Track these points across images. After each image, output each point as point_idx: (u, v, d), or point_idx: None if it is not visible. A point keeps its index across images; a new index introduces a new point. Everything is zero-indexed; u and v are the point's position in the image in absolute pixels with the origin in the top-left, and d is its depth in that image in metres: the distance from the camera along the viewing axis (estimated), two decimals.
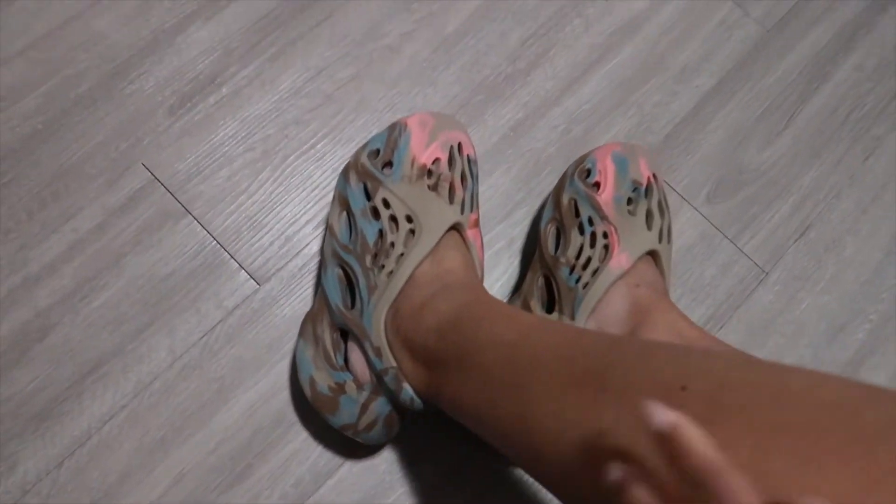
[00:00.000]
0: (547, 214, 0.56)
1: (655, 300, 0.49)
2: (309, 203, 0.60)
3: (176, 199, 0.59)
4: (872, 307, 0.62)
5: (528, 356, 0.38)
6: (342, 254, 0.52)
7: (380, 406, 0.49)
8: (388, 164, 0.54)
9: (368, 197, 0.52)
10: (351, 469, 0.54)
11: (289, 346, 0.56)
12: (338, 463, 0.54)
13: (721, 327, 0.60)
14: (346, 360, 0.51)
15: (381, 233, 0.51)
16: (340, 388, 0.49)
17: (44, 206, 0.57)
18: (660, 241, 0.52)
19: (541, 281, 0.54)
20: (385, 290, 0.49)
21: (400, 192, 0.52)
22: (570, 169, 0.57)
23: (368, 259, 0.50)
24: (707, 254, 0.62)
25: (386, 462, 0.54)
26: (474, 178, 0.55)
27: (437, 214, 0.51)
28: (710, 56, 0.67)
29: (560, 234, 0.55)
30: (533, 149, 0.63)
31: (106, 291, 0.56)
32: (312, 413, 0.54)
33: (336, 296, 0.51)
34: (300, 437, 0.54)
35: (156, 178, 0.59)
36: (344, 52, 0.64)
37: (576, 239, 0.53)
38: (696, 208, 0.63)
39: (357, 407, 0.49)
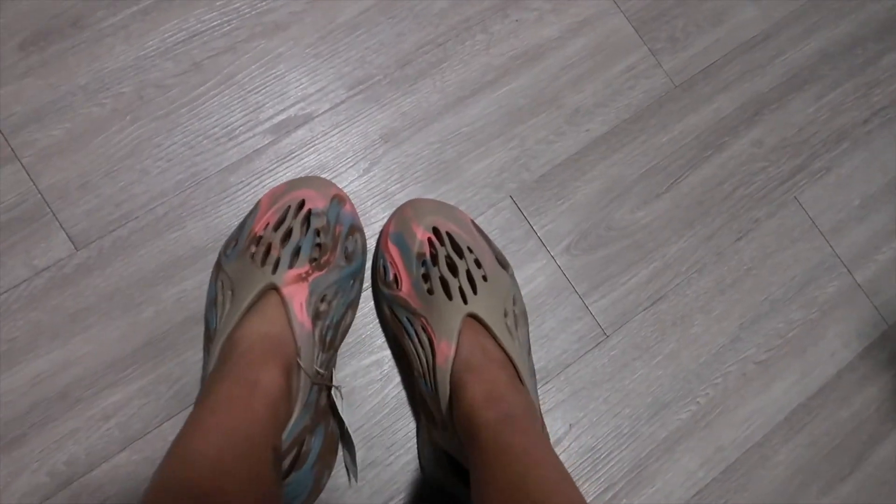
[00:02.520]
0: (385, 328, 0.56)
1: (460, 384, 0.46)
2: (150, 173, 0.57)
3: (7, 141, 0.55)
4: (703, 390, 0.62)
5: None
6: (205, 346, 0.52)
7: None
8: (234, 243, 0.53)
9: (214, 284, 0.52)
10: (129, 457, 0.52)
11: (93, 320, 0.54)
12: (116, 448, 0.52)
13: (547, 382, 0.59)
14: None
15: (217, 317, 0.50)
16: None
17: None
18: (465, 301, 0.50)
19: (419, 399, 0.53)
20: (205, 369, 0.48)
21: (230, 268, 0.51)
22: (372, 272, 0.56)
23: (211, 346, 0.49)
24: (552, 305, 0.61)
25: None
26: (315, 231, 0.51)
27: (248, 281, 0.49)
28: (609, 102, 0.65)
29: (401, 348, 0.54)
30: (399, 162, 0.60)
31: None
32: (100, 395, 0.53)
33: (212, 319, 0.52)
34: (83, 416, 0.52)
35: None
36: (225, 20, 0.60)
37: (409, 347, 0.51)
38: (552, 256, 0.61)
39: None
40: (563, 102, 0.64)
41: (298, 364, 0.46)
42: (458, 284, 0.51)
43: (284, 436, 0.45)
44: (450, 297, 0.50)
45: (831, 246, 0.66)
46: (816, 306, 0.65)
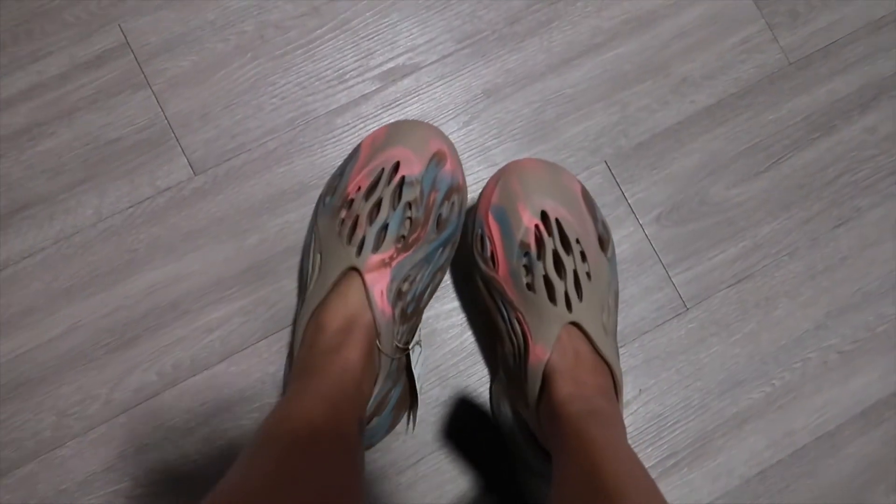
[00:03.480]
0: (475, 291, 0.55)
1: (550, 391, 0.46)
2: (264, 109, 0.60)
3: (141, 69, 0.60)
4: (779, 373, 0.61)
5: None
6: (300, 285, 0.54)
7: None
8: (333, 190, 0.53)
9: (311, 229, 0.53)
10: (227, 368, 0.57)
11: (204, 241, 0.58)
12: (217, 359, 0.57)
13: (621, 347, 0.60)
14: None
15: (309, 266, 0.51)
16: None
17: (16, 41, 0.59)
18: (570, 309, 0.48)
19: (501, 373, 0.54)
20: (295, 335, 0.50)
21: (322, 224, 0.52)
22: (469, 235, 0.53)
23: (301, 293, 0.51)
24: (636, 272, 0.61)
25: (259, 372, 0.57)
26: (407, 204, 0.49)
27: (334, 255, 0.49)
28: (718, 74, 0.63)
29: (490, 317, 0.53)
30: (500, 119, 0.62)
31: (53, 139, 0.58)
32: (205, 309, 0.58)
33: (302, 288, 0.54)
34: (190, 326, 0.58)
35: (128, 42, 0.60)
36: None
37: (501, 326, 0.50)
38: (641, 225, 0.62)
39: None
40: (670, 71, 0.63)
41: (376, 348, 0.48)
42: (563, 289, 0.48)
43: (369, 405, 0.48)
44: (554, 301, 0.48)
45: None
46: None
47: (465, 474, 0.58)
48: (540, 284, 0.49)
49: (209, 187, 0.59)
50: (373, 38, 0.62)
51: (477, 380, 0.59)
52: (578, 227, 0.51)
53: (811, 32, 0.64)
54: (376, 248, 0.49)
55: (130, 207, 0.58)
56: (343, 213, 0.51)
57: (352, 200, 0.51)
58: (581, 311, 0.48)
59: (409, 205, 0.50)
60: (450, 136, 0.61)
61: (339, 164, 0.59)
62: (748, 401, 0.61)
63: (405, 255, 0.49)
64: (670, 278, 0.62)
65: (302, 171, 0.60)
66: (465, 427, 0.58)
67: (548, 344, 0.47)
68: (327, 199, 0.54)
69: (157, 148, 0.59)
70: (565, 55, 0.63)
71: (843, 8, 0.65)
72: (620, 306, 0.61)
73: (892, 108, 0.64)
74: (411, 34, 0.62)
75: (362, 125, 0.61)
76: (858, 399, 0.62)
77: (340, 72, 0.61)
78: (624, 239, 0.61)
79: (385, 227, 0.49)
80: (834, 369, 0.62)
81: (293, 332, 0.56)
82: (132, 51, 0.60)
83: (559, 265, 0.49)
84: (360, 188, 0.51)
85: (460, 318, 0.59)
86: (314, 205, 0.59)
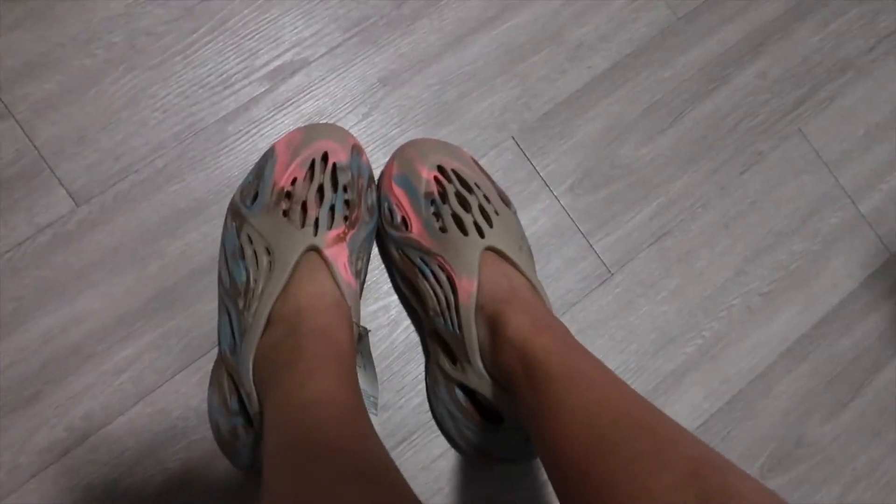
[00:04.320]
0: (392, 269, 0.55)
1: (499, 314, 0.46)
2: (147, 125, 0.56)
3: None
4: (708, 324, 0.62)
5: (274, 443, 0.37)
6: (225, 299, 0.51)
7: None
8: (255, 196, 0.51)
9: (238, 235, 0.50)
10: (144, 409, 0.53)
11: (99, 275, 0.54)
12: (131, 402, 0.53)
13: None
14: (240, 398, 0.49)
15: (246, 272, 0.49)
16: (234, 433, 0.49)
17: None
18: (482, 235, 0.50)
19: (430, 338, 0.53)
20: (250, 331, 0.47)
21: (259, 224, 0.50)
22: (376, 216, 0.54)
23: (240, 302, 0.48)
24: (557, 245, 0.61)
25: (181, 408, 0.54)
26: (344, 186, 0.51)
27: (288, 242, 0.48)
28: (611, 36, 0.63)
29: (413, 289, 0.53)
30: (400, 106, 0.59)
31: None
32: (111, 350, 0.53)
33: (225, 341, 0.50)
34: (96, 371, 0.53)
35: None
36: None
37: (425, 287, 0.51)
38: (556, 196, 0.61)
39: (248, 450, 0.49)
40: (564, 38, 0.63)
41: (353, 322, 0.48)
42: (472, 219, 0.50)
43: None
44: (465, 232, 0.50)
45: (835, 177, 0.66)
46: (820, 237, 0.65)
47: (426, 471, 0.56)
48: (450, 222, 0.50)
49: (96, 216, 0.54)
50: (255, 36, 0.58)
51: (413, 378, 0.57)
52: (475, 177, 0.54)
53: None
54: (330, 227, 0.49)
55: (9, 251, 0.53)
56: (285, 204, 0.50)
57: (289, 192, 0.50)
58: (494, 235, 0.50)
59: (345, 188, 0.51)
60: (350, 130, 0.58)
61: (240, 173, 0.56)
62: (683, 356, 0.62)
63: (353, 231, 0.50)
64: (591, 246, 0.61)
65: (197, 186, 0.56)
66: (412, 428, 0.56)
67: (471, 272, 0.48)
68: (250, 202, 0.52)
69: (31, 181, 0.54)
70: (458, 33, 0.61)
71: None
72: (546, 281, 0.60)
73: (778, 51, 0.66)
74: (296, 28, 0.58)
75: (256, 130, 0.57)
76: (783, 337, 0.64)
77: (224, 76, 0.57)
78: (541, 213, 0.61)
79: (332, 207, 0.50)
80: (757, 311, 0.63)
81: (230, 314, 0.52)
82: None
83: (464, 202, 0.52)
84: (295, 179, 0.51)
85: (386, 317, 0.57)
86: (215, 220, 0.55)
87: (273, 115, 0.57)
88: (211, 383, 0.52)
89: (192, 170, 0.56)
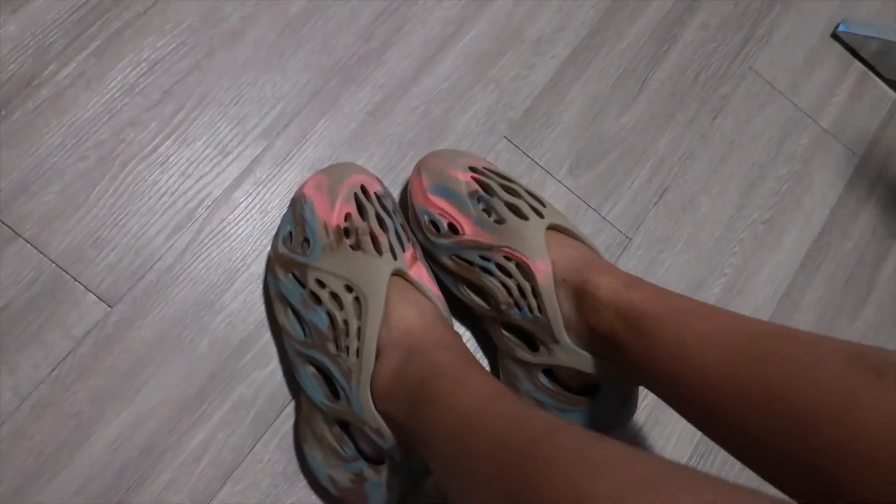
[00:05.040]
0: (446, 281, 0.55)
1: (585, 282, 0.48)
2: (157, 212, 0.55)
3: (1, 221, 0.53)
4: (726, 261, 0.66)
5: (472, 449, 0.36)
6: (305, 351, 0.50)
7: (404, 481, 0.48)
8: (306, 241, 0.51)
9: (302, 284, 0.50)
10: (233, 489, 0.52)
11: (150, 370, 0.52)
12: (217, 485, 0.52)
13: None
14: (357, 446, 0.49)
15: (329, 316, 0.48)
16: (360, 478, 0.48)
17: None
18: (541, 215, 0.51)
19: (505, 332, 0.53)
20: (360, 370, 0.46)
21: (327, 265, 0.49)
22: (416, 232, 0.55)
23: (331, 347, 0.48)
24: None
25: (269, 477, 0.53)
26: (393, 212, 0.52)
27: (372, 272, 0.48)
28: (564, 25, 0.67)
29: (478, 291, 0.54)
30: (394, 134, 0.61)
31: None
32: (183, 440, 0.52)
33: (317, 393, 0.49)
34: (174, 465, 0.51)
35: None
36: (180, 41, 0.58)
37: (492, 283, 0.51)
38: (559, 181, 0.63)
39: (383, 489, 0.48)
40: (524, 37, 0.66)
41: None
42: (525, 203, 0.52)
43: None
44: (525, 217, 0.51)
45: (793, 102, 0.71)
46: (797, 159, 0.70)
47: None
48: (506, 212, 0.52)
49: (132, 313, 0.53)
50: (238, 101, 0.59)
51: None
52: (503, 169, 0.57)
53: None
54: (403, 249, 0.50)
55: (54, 370, 0.51)
56: (350, 239, 0.50)
57: (346, 228, 0.51)
58: (551, 214, 0.52)
59: (394, 212, 0.53)
60: None
61: (261, 234, 0.56)
62: (712, 297, 0.65)
63: (418, 251, 0.53)
64: (604, 218, 0.64)
65: (223, 257, 0.55)
66: None
67: (543, 253, 0.50)
68: (300, 249, 0.51)
69: (56, 296, 0.52)
70: (427, 54, 0.63)
71: None
72: None
73: (711, 3, 0.71)
74: (275, 84, 0.60)
75: (264, 189, 0.57)
76: (794, 255, 0.68)
77: (220, 145, 0.57)
78: (551, 199, 0.63)
79: (395, 231, 0.51)
80: (765, 239, 0.67)
81: (327, 397, 0.50)
82: None
83: (511, 190, 0.53)
84: (348, 214, 0.51)
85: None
86: (256, 281, 0.55)
87: (277, 172, 0.58)
88: (305, 441, 0.51)
89: (213, 242, 0.56)
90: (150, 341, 0.53)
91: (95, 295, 0.53)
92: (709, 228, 0.66)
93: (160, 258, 0.55)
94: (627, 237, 0.64)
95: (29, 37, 0.56)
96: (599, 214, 0.64)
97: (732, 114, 0.69)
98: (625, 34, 0.68)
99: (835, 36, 0.74)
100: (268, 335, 0.55)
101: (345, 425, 0.49)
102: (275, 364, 0.55)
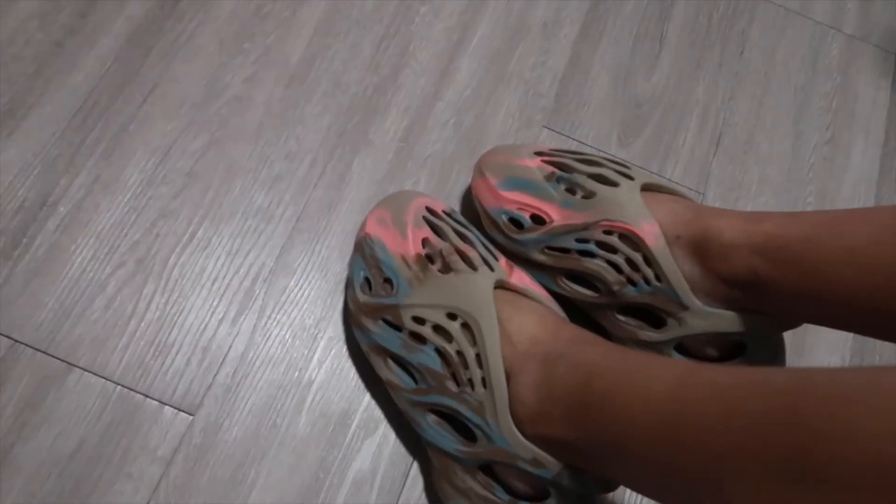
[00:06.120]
0: (542, 279, 0.49)
1: (704, 230, 0.44)
2: (214, 300, 0.50)
3: (51, 355, 0.47)
4: (805, 190, 0.62)
5: (696, 434, 0.31)
6: (421, 399, 0.44)
7: None
8: (386, 281, 0.46)
9: (398, 328, 0.45)
10: None
11: (254, 473, 0.46)
12: None
13: None
14: (508, 488, 0.43)
15: (439, 352, 0.43)
16: None
17: None
18: (630, 178, 0.48)
19: (621, 317, 0.48)
20: (493, 400, 0.41)
21: (420, 298, 0.44)
22: (496, 236, 0.51)
23: (451, 385, 0.42)
24: None
25: None
26: (468, 225, 0.49)
27: (473, 291, 0.43)
28: (565, 4, 0.64)
29: (581, 279, 0.49)
30: (433, 153, 0.57)
31: (5, 497, 0.44)
32: None
33: (448, 441, 0.43)
34: None
35: (16, 341, 0.47)
36: (188, 121, 0.55)
37: (596, 266, 0.47)
38: (612, 157, 0.60)
39: None
40: (529, 25, 0.63)
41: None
42: (610, 170, 0.48)
43: None
44: (615, 183, 0.47)
45: (811, 18, 0.69)
46: (835, 71, 0.67)
47: None
48: (593, 184, 0.48)
49: (217, 415, 0.47)
50: (266, 164, 0.54)
51: None
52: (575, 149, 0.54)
53: None
54: (496, 258, 0.46)
55: (149, 502, 0.45)
56: (437, 264, 0.45)
57: (428, 254, 0.46)
58: (640, 175, 0.48)
59: (471, 225, 0.50)
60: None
61: (334, 286, 0.51)
62: None
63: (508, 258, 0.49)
64: (670, 180, 0.60)
65: (295, 328, 0.50)
66: None
67: (646, 215, 0.45)
68: (389, 290, 0.46)
69: (132, 419, 0.46)
70: (441, 66, 0.60)
71: None
72: None
73: None
74: (298, 137, 0.56)
75: (319, 244, 0.53)
76: (869, 168, 0.64)
77: (260, 213, 0.53)
78: None
79: (481, 242, 0.48)
80: (834, 158, 0.64)
81: (463, 443, 0.45)
82: (27, 345, 0.47)
83: (590, 161, 0.50)
84: (425, 239, 0.47)
85: None
86: (342, 341, 0.50)
87: (327, 223, 0.53)
88: (448, 500, 0.45)
89: (281, 315, 0.50)
90: (245, 440, 0.47)
91: (172, 406, 0.47)
92: (776, 163, 0.62)
93: (230, 347, 0.49)
94: (700, 193, 0.60)
95: (31, 157, 0.51)
96: (664, 177, 0.60)
97: (757, 46, 0.66)
98: None
99: None
100: (367, 398, 0.50)
101: (488, 468, 0.43)
102: (384, 427, 0.49)
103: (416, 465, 0.48)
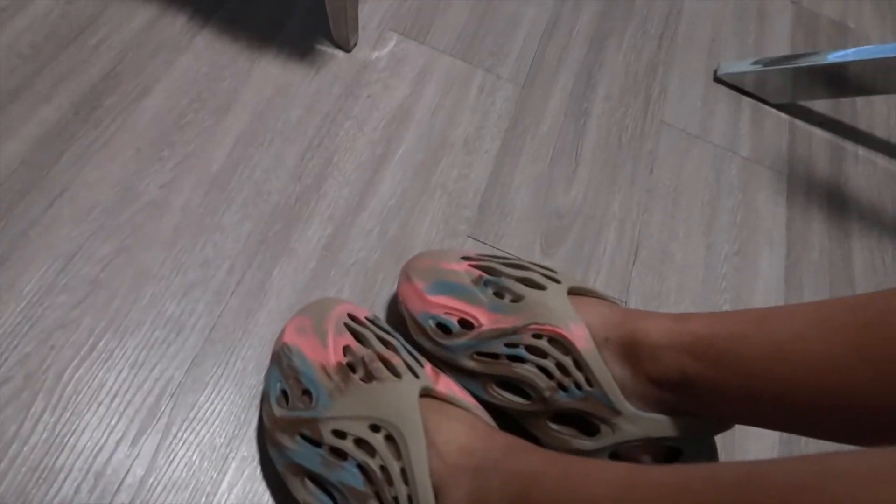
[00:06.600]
0: (471, 387, 0.48)
1: (632, 332, 0.44)
2: (112, 418, 0.45)
3: None
4: (720, 298, 0.64)
5: None
6: None
7: None
8: (305, 393, 0.43)
9: (317, 444, 0.41)
10: None
11: None
12: None
13: None
14: None
15: (361, 468, 0.40)
16: None
17: None
18: (557, 281, 0.48)
19: (553, 426, 0.47)
20: None
21: (341, 410, 0.41)
22: (423, 342, 0.50)
23: (373, 503, 0.39)
24: None
25: None
26: (392, 331, 0.47)
27: (397, 400, 0.41)
28: (485, 122, 0.67)
29: (512, 387, 0.47)
30: (357, 261, 0.56)
31: None
32: None
33: None
34: None
35: None
36: (97, 226, 0.52)
37: (527, 370, 0.46)
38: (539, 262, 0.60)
39: None
40: (452, 140, 0.65)
41: None
42: (538, 274, 0.48)
43: None
44: (542, 286, 0.47)
45: (710, 142, 0.74)
46: (736, 189, 0.72)
47: None
48: (519, 287, 0.48)
49: None
50: (180, 271, 0.52)
51: None
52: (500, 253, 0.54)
53: (515, 59, 0.72)
54: (421, 364, 0.44)
55: None
56: (359, 373, 0.43)
57: (349, 362, 0.44)
58: (566, 278, 0.48)
59: (395, 332, 0.48)
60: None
61: (249, 401, 0.47)
62: None
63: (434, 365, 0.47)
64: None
65: (204, 448, 0.46)
66: None
67: (573, 317, 0.45)
68: (311, 401, 0.43)
69: None
70: (365, 177, 0.60)
71: (515, 33, 0.75)
72: None
73: (606, 76, 0.75)
74: (216, 244, 0.53)
75: (233, 356, 0.49)
76: (775, 277, 0.67)
77: (171, 323, 0.49)
78: None
79: (405, 348, 0.45)
80: (743, 269, 0.66)
81: None
82: None
83: (517, 266, 0.50)
84: (346, 346, 0.44)
85: None
86: (256, 461, 0.45)
87: (243, 333, 0.50)
88: None
89: (189, 434, 0.46)
90: None
91: None
92: (691, 273, 0.65)
93: (128, 472, 0.44)
94: (622, 300, 0.61)
95: None
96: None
97: (665, 164, 0.71)
98: (542, 118, 0.69)
99: (717, 79, 0.79)
100: None
101: None
102: None
103: None
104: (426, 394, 0.42)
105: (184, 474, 0.45)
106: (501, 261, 0.50)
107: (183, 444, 0.46)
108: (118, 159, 0.55)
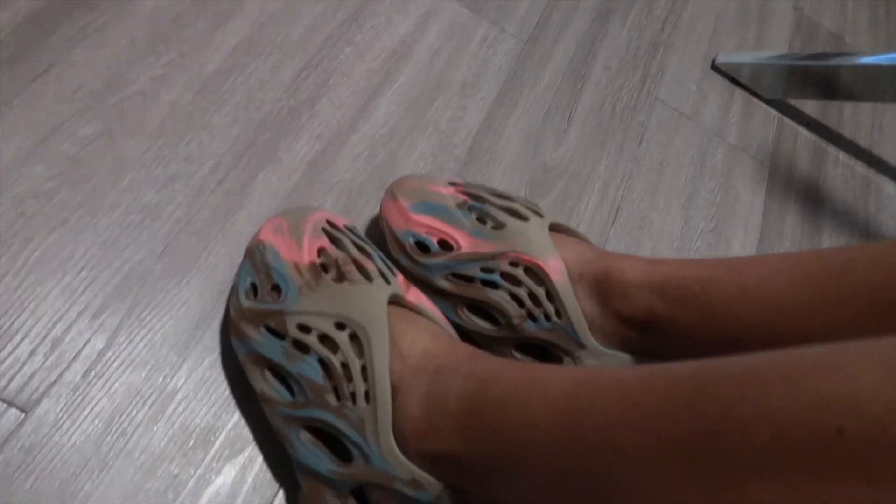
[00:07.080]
0: (442, 307, 0.47)
1: (607, 270, 0.44)
2: (77, 290, 0.45)
3: None
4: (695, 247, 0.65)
5: (599, 431, 0.29)
6: (296, 414, 0.40)
7: None
8: (275, 288, 0.43)
9: (281, 336, 0.41)
10: None
11: (90, 484, 0.40)
12: None
13: None
14: None
15: (322, 362, 0.39)
16: None
17: None
18: (540, 215, 0.48)
19: (518, 354, 0.47)
20: (375, 416, 0.37)
21: (309, 305, 0.41)
22: (401, 258, 0.49)
23: (331, 399, 0.39)
24: None
25: None
26: (368, 241, 0.47)
27: (367, 302, 0.41)
28: (484, 70, 0.67)
29: (482, 312, 0.47)
30: (342, 181, 0.56)
31: None
32: None
33: (322, 462, 0.39)
34: None
35: None
36: (81, 107, 0.51)
37: (499, 297, 0.46)
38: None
39: None
40: (449, 82, 0.65)
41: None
42: (522, 205, 0.48)
43: None
44: (524, 217, 0.47)
45: (700, 123, 0.76)
46: (719, 172, 0.73)
47: None
48: (502, 216, 0.48)
49: (54, 416, 0.41)
50: (162, 163, 0.51)
51: None
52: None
53: (521, 16, 0.73)
54: (393, 273, 0.43)
55: None
56: (331, 273, 0.42)
57: (322, 263, 0.43)
58: (550, 215, 0.49)
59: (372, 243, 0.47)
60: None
61: (219, 295, 0.47)
62: None
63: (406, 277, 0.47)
64: None
65: (167, 331, 0.45)
66: None
67: (552, 251, 0.46)
68: (276, 297, 0.42)
69: None
70: (359, 102, 0.60)
71: None
72: None
73: (607, 49, 0.76)
74: (201, 142, 0.53)
75: (209, 248, 0.49)
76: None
77: (148, 209, 0.49)
78: None
79: (380, 257, 0.44)
80: (717, 245, 0.68)
81: (336, 464, 0.40)
82: None
83: (501, 195, 0.50)
84: (321, 248, 0.44)
85: None
86: (217, 352, 0.45)
87: (221, 229, 0.50)
88: None
89: (154, 313, 0.45)
90: (84, 447, 0.41)
91: (2, 400, 0.40)
92: (667, 242, 0.66)
93: (87, 343, 0.43)
94: None
95: None
96: None
97: (654, 137, 0.72)
98: (540, 76, 0.70)
99: (714, 67, 0.80)
100: (236, 416, 0.44)
101: (361, 494, 0.39)
102: (251, 449, 0.44)
103: (282, 494, 0.43)
104: (395, 301, 0.42)
105: (143, 354, 0.44)
106: (488, 190, 0.51)
107: (145, 327, 0.45)
108: (111, 46, 0.54)
